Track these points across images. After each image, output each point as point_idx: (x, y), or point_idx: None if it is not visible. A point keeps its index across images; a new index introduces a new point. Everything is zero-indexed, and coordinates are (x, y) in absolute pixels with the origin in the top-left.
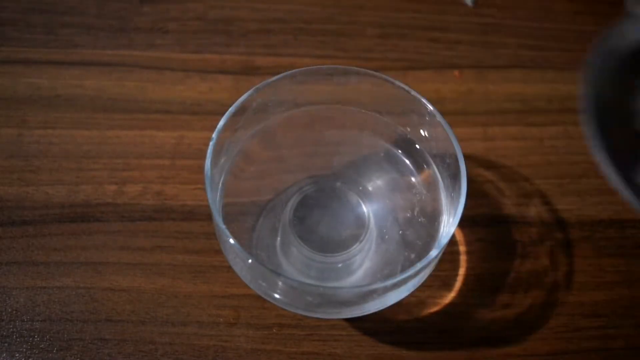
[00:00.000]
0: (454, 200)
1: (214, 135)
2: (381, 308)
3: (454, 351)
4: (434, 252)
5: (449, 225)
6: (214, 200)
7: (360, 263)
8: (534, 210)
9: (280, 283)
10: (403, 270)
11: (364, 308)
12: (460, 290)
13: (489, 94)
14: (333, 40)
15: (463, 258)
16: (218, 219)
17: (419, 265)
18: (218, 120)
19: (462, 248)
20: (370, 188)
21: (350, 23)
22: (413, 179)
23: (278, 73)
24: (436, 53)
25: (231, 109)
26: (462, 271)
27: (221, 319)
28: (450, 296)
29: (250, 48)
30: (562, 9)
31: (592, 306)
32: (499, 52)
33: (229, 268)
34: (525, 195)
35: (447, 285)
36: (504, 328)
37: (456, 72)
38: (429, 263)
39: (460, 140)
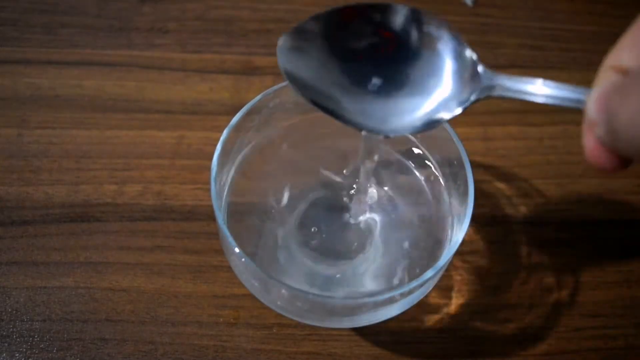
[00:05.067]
0: (460, 209)
1: (225, 132)
2: (373, 322)
3: (453, 351)
4: (430, 273)
5: (448, 248)
6: (217, 197)
7: (365, 272)
8: (534, 210)
9: (272, 286)
10: (411, 279)
11: (354, 320)
12: (460, 290)
13: None
14: None
15: (463, 258)
16: (218, 213)
17: (413, 284)
18: (218, 120)
19: (462, 248)
20: (376, 196)
21: None
22: (419, 187)
23: (278, 73)
24: None
25: (244, 109)
26: (461, 271)
27: (221, 319)
28: (449, 296)
29: (250, 48)
30: (562, 9)
31: (592, 306)
32: (499, 52)
33: (229, 268)
34: (525, 195)
35: (447, 285)
36: (504, 328)
37: None
38: (424, 282)
39: (460, 140)
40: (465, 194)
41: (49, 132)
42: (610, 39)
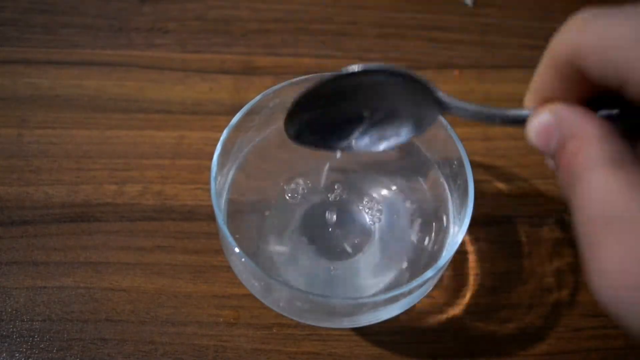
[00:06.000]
0: (460, 209)
1: (225, 132)
2: (373, 322)
3: (453, 351)
4: (429, 273)
5: (448, 249)
6: (217, 197)
7: (365, 271)
8: (534, 210)
9: (272, 286)
10: (411, 279)
11: (354, 320)
12: (460, 290)
13: (489, 94)
14: (333, 40)
15: (463, 258)
16: (218, 213)
17: (413, 284)
18: (218, 120)
19: (461, 248)
20: (376, 196)
21: (350, 23)
22: (420, 188)
23: (278, 73)
24: (436, 53)
25: (244, 109)
26: (460, 271)
27: (221, 319)
28: (449, 296)
29: (250, 48)
30: (562, 9)
31: (592, 306)
32: (499, 52)
33: (229, 268)
34: (524, 195)
35: (446, 286)
36: (503, 328)
37: (456, 72)
38: (424, 282)
39: (460, 140)
40: (465, 194)
41: (49, 132)
42: None
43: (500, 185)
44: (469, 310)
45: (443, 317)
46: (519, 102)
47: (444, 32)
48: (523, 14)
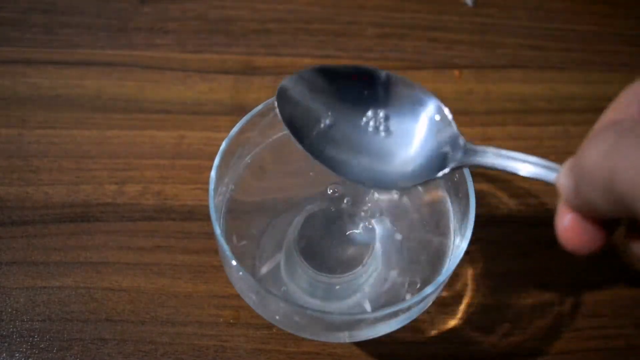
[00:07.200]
0: (461, 221)
1: (224, 144)
2: (371, 337)
3: (453, 351)
4: (429, 289)
5: (449, 264)
6: (216, 210)
7: (365, 283)
8: (534, 210)
9: (269, 301)
10: (411, 291)
11: (353, 336)
12: (459, 290)
13: (488, 94)
14: (333, 40)
15: (462, 258)
16: (216, 225)
17: (413, 300)
18: (218, 121)
19: None
20: (377, 208)
21: (350, 23)
22: (421, 200)
23: (278, 73)
24: (436, 53)
25: (245, 118)
26: (460, 271)
27: (221, 319)
28: (449, 296)
29: (250, 48)
30: (562, 9)
31: (592, 306)
32: (499, 52)
33: None
34: (524, 195)
35: (447, 285)
36: (503, 328)
37: (456, 72)
38: (424, 298)
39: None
40: (466, 205)
41: (49, 132)
42: (610, 39)
43: (500, 185)
44: (469, 310)
45: (442, 317)
46: (519, 102)
47: (444, 32)
48: (523, 14)
